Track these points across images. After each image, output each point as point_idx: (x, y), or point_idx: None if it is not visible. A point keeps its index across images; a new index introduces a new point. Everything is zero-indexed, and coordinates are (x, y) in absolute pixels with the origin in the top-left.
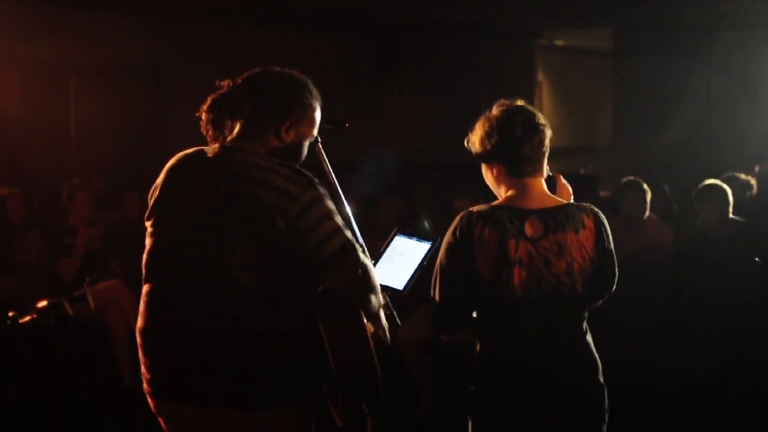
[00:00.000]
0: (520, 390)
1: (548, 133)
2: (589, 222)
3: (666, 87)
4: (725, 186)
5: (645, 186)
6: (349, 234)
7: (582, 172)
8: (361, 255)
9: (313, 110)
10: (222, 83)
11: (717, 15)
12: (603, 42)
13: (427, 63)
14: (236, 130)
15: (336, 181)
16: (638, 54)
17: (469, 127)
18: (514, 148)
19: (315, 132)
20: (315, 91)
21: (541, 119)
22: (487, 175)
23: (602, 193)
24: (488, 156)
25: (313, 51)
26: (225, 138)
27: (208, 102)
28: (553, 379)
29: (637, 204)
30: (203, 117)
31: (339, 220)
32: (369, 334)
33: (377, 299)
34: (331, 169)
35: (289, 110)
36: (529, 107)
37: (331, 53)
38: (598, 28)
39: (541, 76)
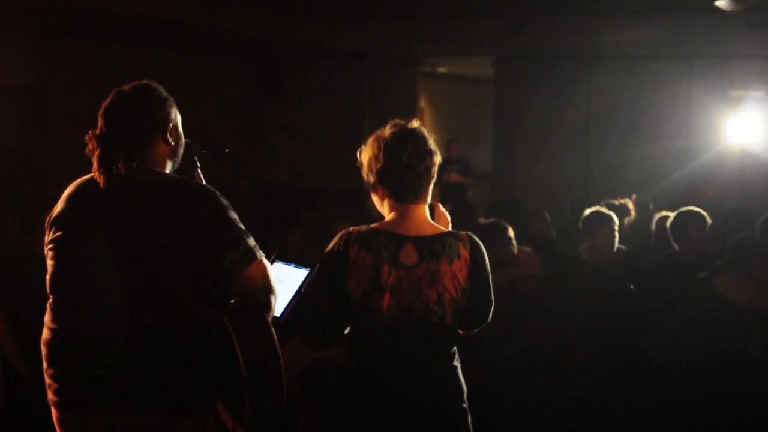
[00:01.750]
0: (382, 410)
1: (437, 160)
2: (464, 252)
3: (546, 115)
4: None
5: (505, 225)
6: (252, 242)
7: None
8: (264, 261)
9: (171, 102)
10: (87, 138)
11: (596, 45)
12: (484, 70)
13: (311, 88)
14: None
15: None
16: (518, 82)
17: (351, 153)
18: (397, 175)
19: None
20: (159, 88)
21: (432, 145)
22: (374, 195)
23: (481, 221)
24: (373, 178)
25: (198, 74)
26: None
27: (95, 164)
28: (415, 402)
29: (504, 245)
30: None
31: (242, 228)
32: (274, 333)
33: (275, 301)
34: None
35: (162, 118)
36: (422, 131)
37: (214, 77)
38: (479, 56)
39: (423, 103)
